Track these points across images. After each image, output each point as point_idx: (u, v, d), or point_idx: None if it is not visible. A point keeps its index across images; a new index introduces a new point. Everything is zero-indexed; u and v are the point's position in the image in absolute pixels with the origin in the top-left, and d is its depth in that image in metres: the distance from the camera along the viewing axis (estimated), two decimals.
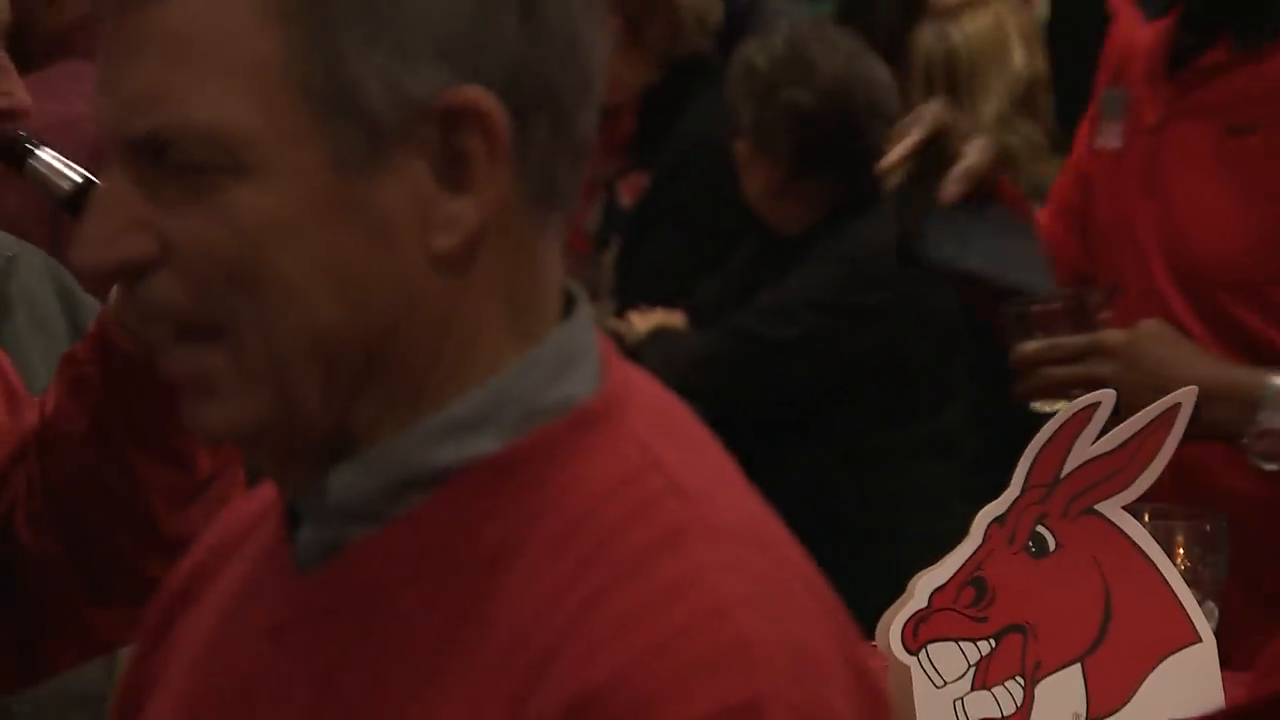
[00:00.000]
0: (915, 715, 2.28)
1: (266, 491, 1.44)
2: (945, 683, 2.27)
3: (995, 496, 2.31)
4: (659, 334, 3.91)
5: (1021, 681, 2.29)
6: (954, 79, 4.19)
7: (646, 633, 1.19)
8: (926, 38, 4.24)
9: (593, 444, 1.29)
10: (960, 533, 2.31)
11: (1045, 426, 2.32)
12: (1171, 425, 2.32)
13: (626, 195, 4.25)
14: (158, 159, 1.22)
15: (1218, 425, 2.63)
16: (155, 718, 1.42)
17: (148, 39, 1.23)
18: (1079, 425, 2.30)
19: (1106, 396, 2.32)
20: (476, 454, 1.27)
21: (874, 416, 3.76)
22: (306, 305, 1.24)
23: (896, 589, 2.32)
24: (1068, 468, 2.29)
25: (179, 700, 1.39)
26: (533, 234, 1.28)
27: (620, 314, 4.03)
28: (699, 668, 1.17)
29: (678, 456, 1.30)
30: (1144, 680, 2.32)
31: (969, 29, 4.24)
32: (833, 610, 1.27)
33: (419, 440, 1.29)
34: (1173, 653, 2.32)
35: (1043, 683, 2.29)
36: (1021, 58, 4.18)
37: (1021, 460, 2.30)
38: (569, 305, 1.34)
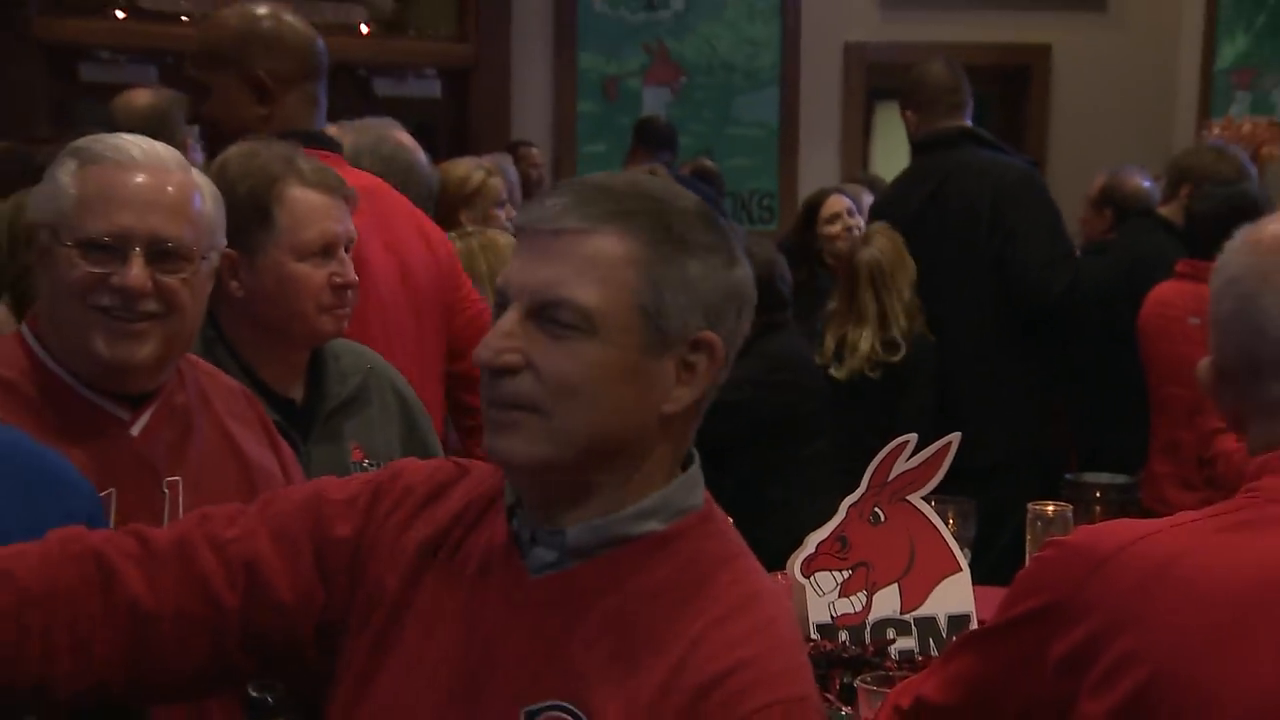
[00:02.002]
0: (808, 613, 2.37)
1: (455, 505, 1.47)
2: (823, 594, 2.39)
3: (853, 490, 2.41)
4: None
5: (865, 594, 2.40)
6: (884, 273, 4.15)
7: (750, 648, 1.30)
8: (864, 254, 4.21)
9: (706, 532, 1.40)
10: (832, 511, 2.41)
11: (879, 453, 2.38)
12: (947, 454, 2.39)
13: None
14: (541, 314, 1.33)
15: None
16: (430, 644, 1.42)
17: (565, 254, 1.33)
18: (899, 452, 2.39)
19: (913, 437, 2.39)
20: (649, 530, 1.38)
21: (781, 442, 3.77)
22: (593, 415, 1.33)
23: (795, 542, 2.42)
24: (892, 475, 2.39)
25: (449, 635, 1.41)
26: (691, 419, 1.41)
27: None
28: (782, 675, 1.30)
29: (739, 541, 1.43)
30: (931, 592, 2.42)
31: (877, 248, 4.21)
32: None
33: (621, 520, 1.37)
34: (946, 577, 2.43)
35: (877, 594, 2.40)
36: (910, 261, 4.21)
37: (867, 471, 2.39)
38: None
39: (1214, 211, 3.73)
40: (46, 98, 6.17)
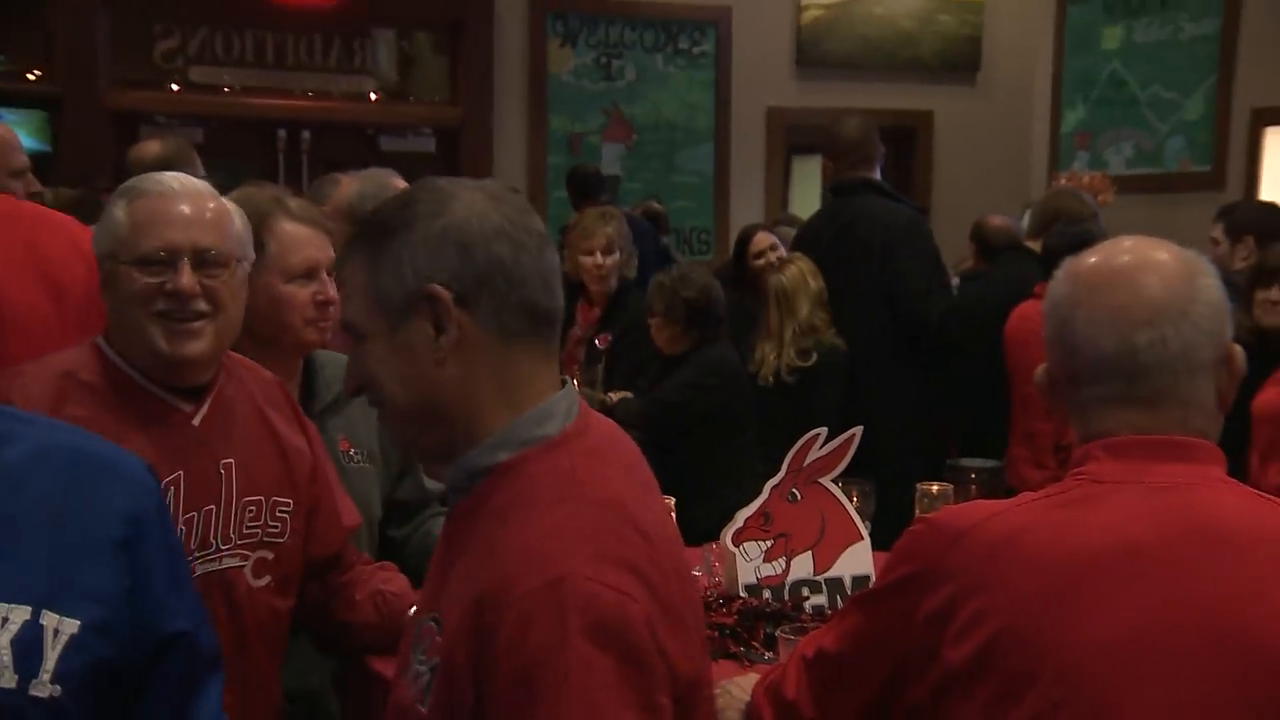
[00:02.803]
0: (737, 575, 2.34)
1: None
2: (750, 560, 2.36)
3: (774, 474, 2.38)
4: (622, 401, 3.84)
5: (785, 559, 2.38)
6: (786, 296, 4.18)
7: (523, 549, 1.21)
8: (772, 279, 4.26)
9: (550, 457, 1.30)
10: (758, 492, 2.39)
11: (798, 442, 2.35)
12: (851, 444, 2.36)
13: (600, 344, 4.14)
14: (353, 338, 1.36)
15: None
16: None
17: (341, 283, 1.37)
18: (812, 443, 2.36)
19: (824, 431, 2.36)
20: (499, 460, 1.31)
21: (714, 435, 3.75)
22: (395, 392, 1.32)
23: (726, 518, 2.40)
24: (807, 462, 2.37)
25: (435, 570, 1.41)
26: (501, 352, 1.31)
27: (605, 394, 3.96)
28: (532, 564, 1.19)
29: (587, 463, 1.30)
30: (839, 558, 2.40)
31: (786, 275, 4.22)
32: (650, 538, 1.26)
33: (476, 455, 1.32)
34: (851, 545, 2.42)
35: (794, 559, 2.38)
36: (814, 285, 4.20)
37: (786, 458, 2.37)
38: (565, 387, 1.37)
39: (1065, 244, 3.71)
40: (111, 156, 6.18)
